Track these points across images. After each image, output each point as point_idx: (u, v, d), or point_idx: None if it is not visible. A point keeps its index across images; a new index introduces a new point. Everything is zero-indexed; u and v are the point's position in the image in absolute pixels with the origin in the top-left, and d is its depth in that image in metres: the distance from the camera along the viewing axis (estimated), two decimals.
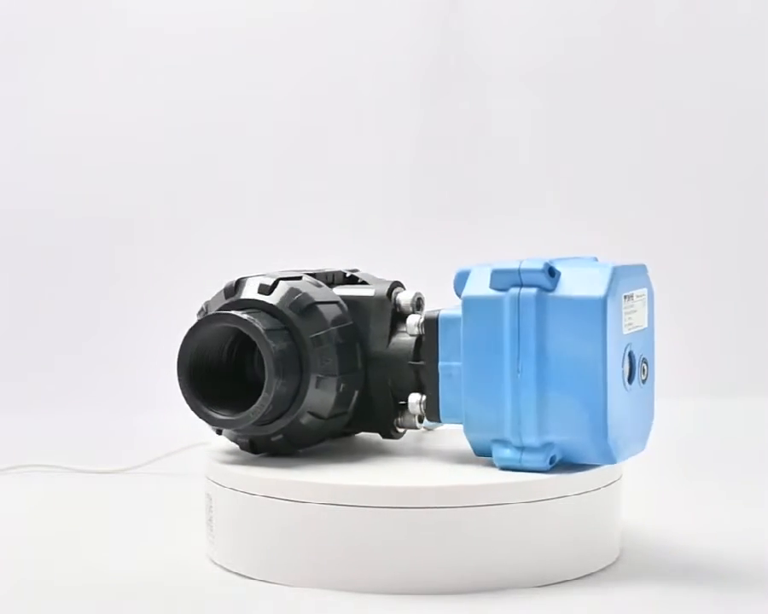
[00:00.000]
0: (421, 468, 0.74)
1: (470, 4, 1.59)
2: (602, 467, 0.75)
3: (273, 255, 1.52)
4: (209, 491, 0.78)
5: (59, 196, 1.53)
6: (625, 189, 1.60)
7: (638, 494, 0.90)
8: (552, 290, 0.72)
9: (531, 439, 0.72)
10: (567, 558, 0.73)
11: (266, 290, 0.77)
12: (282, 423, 0.75)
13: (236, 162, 1.57)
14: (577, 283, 0.72)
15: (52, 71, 1.54)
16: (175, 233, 1.54)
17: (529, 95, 1.59)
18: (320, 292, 0.78)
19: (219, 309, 0.77)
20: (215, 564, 0.77)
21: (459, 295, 0.75)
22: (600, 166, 1.60)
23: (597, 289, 0.71)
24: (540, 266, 0.71)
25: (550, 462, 0.72)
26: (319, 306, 0.76)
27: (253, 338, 0.73)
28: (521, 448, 0.72)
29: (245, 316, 0.74)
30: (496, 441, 0.73)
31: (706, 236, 1.60)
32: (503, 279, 0.72)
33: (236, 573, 0.75)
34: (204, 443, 0.86)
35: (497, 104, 1.59)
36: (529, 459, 0.72)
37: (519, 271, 0.72)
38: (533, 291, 0.72)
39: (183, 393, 0.77)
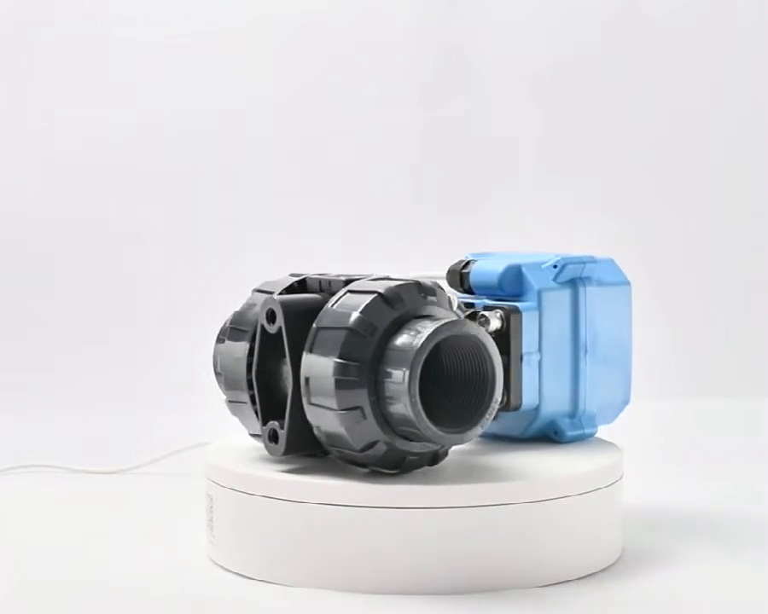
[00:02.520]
0: (421, 468, 0.74)
1: (470, 4, 1.59)
2: (602, 467, 0.75)
3: (273, 255, 1.52)
4: (209, 491, 0.78)
5: (59, 197, 1.53)
6: (625, 189, 1.60)
7: (639, 494, 0.90)
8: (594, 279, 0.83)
9: (593, 408, 0.82)
10: (567, 558, 0.73)
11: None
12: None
13: (237, 163, 1.57)
14: (604, 273, 0.83)
15: (52, 71, 1.54)
16: (176, 234, 1.54)
17: (530, 95, 1.59)
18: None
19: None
20: (215, 564, 0.77)
21: (502, 287, 0.81)
22: (600, 166, 1.60)
23: (622, 277, 0.85)
24: (593, 259, 0.83)
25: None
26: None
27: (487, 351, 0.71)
28: (582, 419, 0.82)
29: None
30: (564, 416, 0.82)
31: (706, 236, 1.60)
32: (568, 272, 0.81)
33: (236, 573, 0.75)
34: (204, 443, 0.86)
35: (497, 104, 1.59)
36: (588, 425, 0.83)
37: (583, 263, 0.82)
38: (595, 282, 0.83)
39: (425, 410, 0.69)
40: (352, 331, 0.69)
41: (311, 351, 0.70)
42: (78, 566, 0.78)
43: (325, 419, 0.70)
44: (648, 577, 0.74)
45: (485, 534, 0.70)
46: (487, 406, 0.70)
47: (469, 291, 0.83)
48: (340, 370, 0.69)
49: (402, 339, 0.69)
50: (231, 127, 1.56)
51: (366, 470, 0.72)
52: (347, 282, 0.73)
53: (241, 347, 0.76)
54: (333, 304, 0.71)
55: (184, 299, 1.52)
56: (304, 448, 0.74)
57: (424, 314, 0.71)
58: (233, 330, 0.77)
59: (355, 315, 0.69)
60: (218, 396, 0.89)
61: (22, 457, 1.10)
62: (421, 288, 0.71)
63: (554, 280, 0.81)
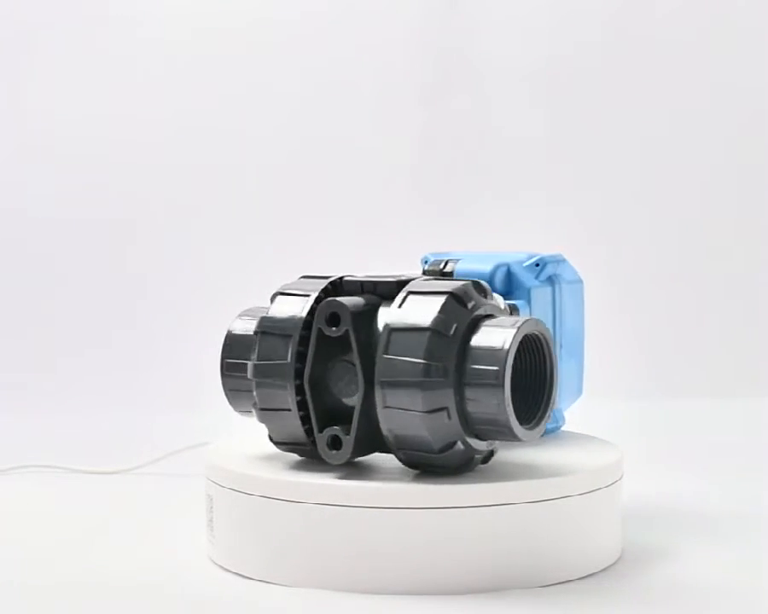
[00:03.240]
0: (422, 470, 0.74)
1: (470, 4, 1.59)
2: (602, 467, 0.75)
3: (273, 256, 1.52)
4: (209, 491, 0.78)
5: (60, 197, 1.53)
6: (625, 189, 1.60)
7: (638, 494, 0.90)
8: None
9: (561, 402, 0.85)
10: (567, 558, 0.73)
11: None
12: None
13: (237, 164, 1.57)
14: (566, 272, 0.86)
15: (52, 72, 1.54)
16: (176, 234, 1.54)
17: (529, 95, 1.59)
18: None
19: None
20: (215, 564, 0.77)
21: (492, 286, 0.81)
22: (599, 166, 1.60)
23: (577, 275, 0.88)
24: (562, 258, 0.85)
25: None
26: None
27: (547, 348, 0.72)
28: (555, 412, 0.84)
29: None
30: None
31: (706, 237, 1.60)
32: (548, 270, 0.84)
33: (236, 573, 0.75)
34: (204, 443, 0.86)
35: (497, 104, 1.59)
36: (560, 418, 0.87)
37: (557, 262, 0.85)
38: (563, 280, 0.86)
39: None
40: (434, 332, 0.69)
41: (386, 353, 0.69)
42: (78, 566, 0.78)
43: (404, 421, 0.69)
44: (648, 577, 0.74)
45: (486, 534, 0.70)
46: (548, 403, 0.72)
47: None
48: (427, 371, 0.68)
49: (485, 338, 0.69)
50: (230, 127, 1.56)
51: (417, 471, 0.72)
52: (399, 283, 0.73)
53: (284, 352, 0.72)
54: (400, 306, 0.71)
55: (185, 300, 1.52)
56: (364, 453, 0.73)
57: (488, 313, 0.71)
58: (268, 335, 0.73)
59: (435, 315, 0.69)
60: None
61: (22, 457, 1.10)
62: (480, 288, 0.72)
63: (536, 278, 0.83)
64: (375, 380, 0.69)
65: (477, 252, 0.86)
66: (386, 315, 0.71)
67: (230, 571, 0.75)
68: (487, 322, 0.70)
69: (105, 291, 1.52)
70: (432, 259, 0.85)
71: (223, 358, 0.79)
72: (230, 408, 0.81)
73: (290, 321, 0.73)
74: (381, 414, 0.70)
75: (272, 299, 0.76)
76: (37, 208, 1.53)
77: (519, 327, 0.69)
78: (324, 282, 0.75)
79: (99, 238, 1.53)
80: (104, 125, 1.54)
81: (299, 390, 0.72)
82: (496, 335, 0.69)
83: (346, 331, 0.71)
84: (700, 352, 1.55)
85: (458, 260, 0.82)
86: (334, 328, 0.71)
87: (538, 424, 0.71)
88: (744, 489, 1.01)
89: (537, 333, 0.71)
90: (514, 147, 1.59)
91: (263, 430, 0.77)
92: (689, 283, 1.58)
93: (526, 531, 0.71)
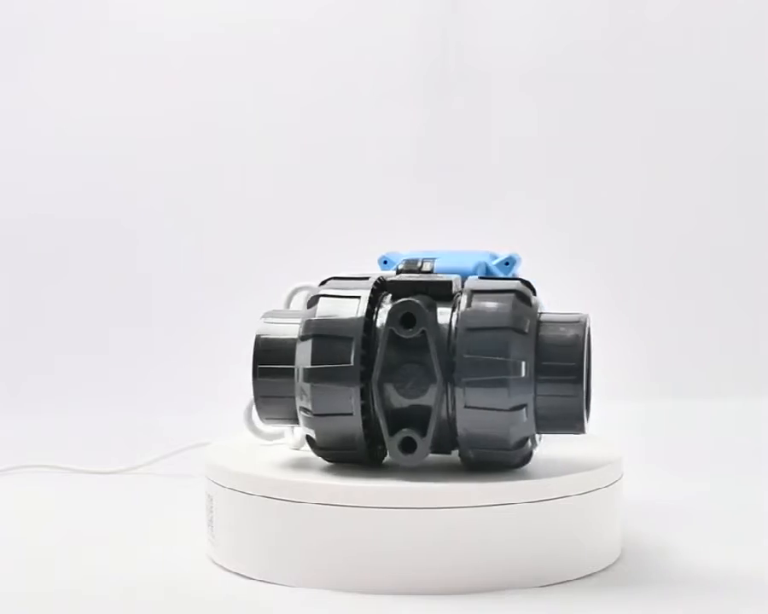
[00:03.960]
0: (421, 469, 0.74)
1: (470, 5, 1.59)
2: (602, 467, 0.75)
3: (273, 256, 1.52)
4: (209, 491, 0.78)
5: (59, 198, 1.53)
6: (625, 189, 1.60)
7: (638, 494, 0.90)
8: None
9: None
10: (567, 558, 0.73)
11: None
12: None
13: (237, 164, 1.56)
14: (518, 271, 0.86)
15: (52, 72, 1.54)
16: (177, 234, 1.54)
17: (530, 94, 1.59)
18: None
19: None
20: (215, 564, 0.77)
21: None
22: (599, 166, 1.60)
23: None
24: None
25: None
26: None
27: None
28: None
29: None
30: None
31: (703, 236, 1.60)
32: (514, 268, 0.85)
33: (236, 573, 0.75)
34: (204, 443, 0.86)
35: (496, 104, 1.59)
36: None
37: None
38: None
39: None
40: (514, 329, 0.70)
41: (468, 353, 0.70)
42: (79, 566, 0.78)
43: (485, 420, 0.70)
44: (648, 577, 0.74)
45: (486, 534, 0.70)
46: (589, 398, 0.73)
47: None
48: (511, 369, 0.69)
49: (557, 334, 0.71)
50: (230, 128, 1.56)
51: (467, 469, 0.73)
52: (449, 284, 0.73)
53: (346, 355, 0.71)
54: (469, 305, 0.71)
55: (185, 300, 1.52)
56: (433, 453, 0.73)
57: (542, 310, 0.73)
58: (325, 338, 0.71)
59: (510, 313, 0.70)
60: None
61: (22, 457, 1.10)
62: (530, 286, 0.74)
63: (506, 275, 0.83)
64: (456, 380, 0.69)
65: (437, 252, 0.86)
66: (454, 315, 0.71)
67: (230, 571, 0.75)
68: (551, 318, 0.72)
69: (105, 291, 1.52)
70: (390, 259, 0.85)
71: (256, 363, 0.74)
72: (246, 413, 0.81)
73: (349, 323, 0.71)
74: (461, 413, 0.70)
75: (309, 303, 0.73)
76: (37, 208, 1.53)
77: (584, 322, 0.71)
78: (370, 282, 0.74)
79: (99, 238, 1.53)
80: (104, 125, 1.54)
81: (363, 394, 0.71)
82: (567, 330, 0.71)
83: (422, 332, 0.70)
84: (700, 352, 1.55)
85: (434, 259, 0.81)
86: (409, 330, 0.70)
87: (588, 414, 0.73)
88: (744, 489, 1.01)
89: (588, 326, 0.73)
90: (514, 147, 1.59)
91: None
92: (689, 283, 1.58)
93: (525, 531, 0.71)
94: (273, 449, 0.81)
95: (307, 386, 0.71)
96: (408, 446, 0.71)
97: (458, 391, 0.70)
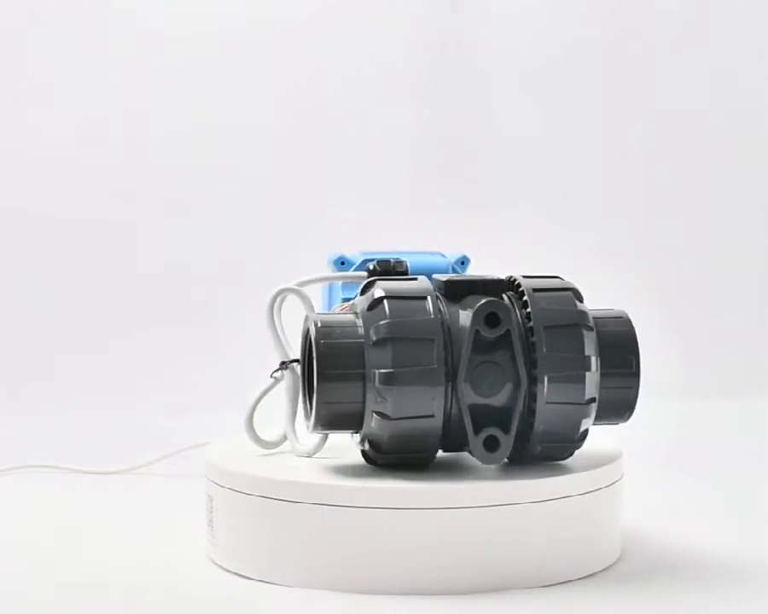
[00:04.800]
0: (422, 469, 0.74)
1: (470, 5, 1.59)
2: (602, 468, 0.75)
3: (273, 257, 1.52)
4: (209, 491, 0.78)
5: (59, 198, 1.53)
6: (624, 189, 1.60)
7: (638, 494, 0.90)
8: None
9: None
10: (568, 558, 0.73)
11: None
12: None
13: (237, 164, 1.56)
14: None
15: (52, 72, 1.54)
16: (177, 235, 1.54)
17: (530, 94, 1.59)
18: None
19: None
20: (215, 564, 0.77)
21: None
22: (599, 166, 1.60)
23: None
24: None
25: None
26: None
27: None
28: None
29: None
30: None
31: (703, 236, 1.60)
32: (466, 267, 0.87)
33: (236, 573, 0.75)
34: (204, 443, 0.86)
35: (497, 104, 1.59)
36: None
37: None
38: None
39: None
40: (585, 326, 0.72)
41: (549, 350, 0.71)
42: (79, 566, 0.78)
43: (563, 414, 0.71)
44: (648, 577, 0.74)
45: (486, 534, 0.70)
46: None
47: None
48: (588, 364, 0.71)
49: (611, 330, 0.74)
50: (231, 127, 1.56)
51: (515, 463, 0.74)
52: (500, 282, 0.74)
53: (429, 357, 0.70)
54: (534, 305, 0.72)
55: (185, 300, 1.52)
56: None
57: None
58: (405, 341, 0.70)
59: (578, 310, 0.73)
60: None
61: (22, 457, 1.10)
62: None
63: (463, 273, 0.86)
64: (538, 377, 0.71)
65: (389, 252, 0.87)
66: (523, 313, 0.72)
67: (230, 571, 0.75)
68: (597, 314, 0.75)
69: (105, 291, 1.52)
70: (348, 260, 0.85)
71: (323, 369, 0.71)
72: (247, 421, 0.80)
73: (427, 324, 0.71)
74: (542, 409, 0.71)
75: (372, 305, 0.72)
76: (36, 208, 1.53)
77: (628, 317, 0.76)
78: (427, 282, 0.74)
79: (99, 238, 1.53)
80: (104, 125, 1.54)
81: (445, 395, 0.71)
82: (620, 325, 0.75)
83: (507, 331, 0.71)
84: (700, 352, 1.55)
85: (401, 260, 0.82)
86: (493, 329, 0.71)
87: None
88: (744, 489, 1.01)
89: None
90: (514, 147, 1.59)
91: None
92: (689, 283, 1.58)
93: (526, 531, 0.71)
94: (273, 450, 0.81)
95: (387, 390, 0.70)
96: (492, 444, 0.71)
97: (540, 388, 0.71)
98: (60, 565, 0.78)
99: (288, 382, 0.79)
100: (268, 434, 0.80)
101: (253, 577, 0.73)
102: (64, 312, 1.51)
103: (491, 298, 0.71)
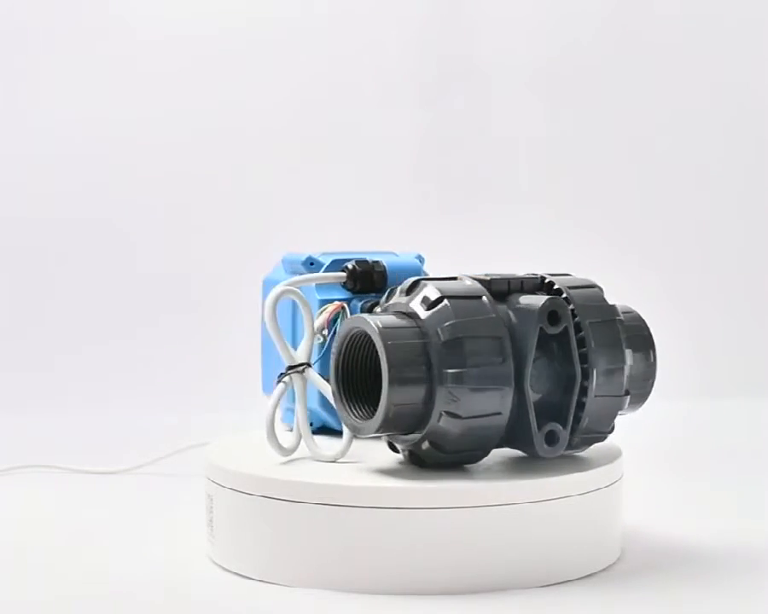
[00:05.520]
0: (421, 469, 0.74)
1: (470, 5, 1.59)
2: (603, 467, 0.75)
3: (273, 257, 1.52)
4: (209, 491, 0.78)
5: (59, 197, 1.53)
6: (625, 189, 1.60)
7: (638, 494, 0.90)
8: None
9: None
10: (567, 558, 0.73)
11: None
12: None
13: (236, 165, 1.56)
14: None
15: (52, 72, 1.54)
16: (176, 234, 1.54)
17: (530, 95, 1.59)
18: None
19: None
20: (215, 564, 0.77)
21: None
22: (600, 166, 1.60)
23: None
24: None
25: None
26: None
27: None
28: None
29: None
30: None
31: (704, 236, 1.60)
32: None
33: (236, 573, 0.75)
34: (204, 443, 0.86)
35: (498, 105, 1.59)
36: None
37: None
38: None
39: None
40: (619, 320, 0.76)
41: (597, 345, 0.73)
42: (78, 566, 0.78)
43: (606, 406, 0.74)
44: (648, 577, 0.74)
45: (485, 534, 0.70)
46: None
47: (377, 290, 0.83)
48: (627, 357, 0.76)
49: (629, 325, 0.78)
50: (230, 128, 1.56)
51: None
52: (539, 280, 0.76)
53: (497, 356, 0.71)
54: (576, 302, 0.74)
55: (185, 299, 1.52)
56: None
57: None
58: (475, 340, 0.71)
59: (610, 306, 0.76)
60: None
61: (22, 457, 1.10)
62: None
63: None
64: (589, 372, 0.73)
65: (343, 252, 0.87)
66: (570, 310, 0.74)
67: (230, 571, 0.75)
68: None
69: (105, 291, 1.52)
70: (318, 261, 0.85)
71: (395, 372, 0.70)
72: (269, 428, 0.78)
73: (493, 322, 0.72)
74: (591, 402, 0.73)
75: (432, 305, 0.71)
76: (36, 208, 1.53)
77: (635, 310, 0.81)
78: (474, 281, 0.74)
79: (99, 238, 1.53)
80: (104, 126, 1.54)
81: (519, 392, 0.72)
82: (634, 320, 0.80)
83: (565, 328, 0.72)
84: (700, 352, 1.55)
85: (378, 260, 0.84)
86: (554, 326, 0.72)
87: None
88: (744, 489, 1.01)
89: None
90: (515, 148, 1.59)
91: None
92: (689, 283, 1.58)
93: (526, 531, 0.71)
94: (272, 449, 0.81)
95: (460, 389, 0.70)
96: (552, 439, 0.73)
97: (590, 382, 0.73)
98: (59, 565, 0.78)
99: (299, 387, 0.78)
100: (288, 440, 0.78)
101: (252, 577, 0.73)
102: (64, 312, 1.51)
103: (553, 297, 0.73)
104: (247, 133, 1.56)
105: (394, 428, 0.71)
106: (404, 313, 0.72)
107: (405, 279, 0.79)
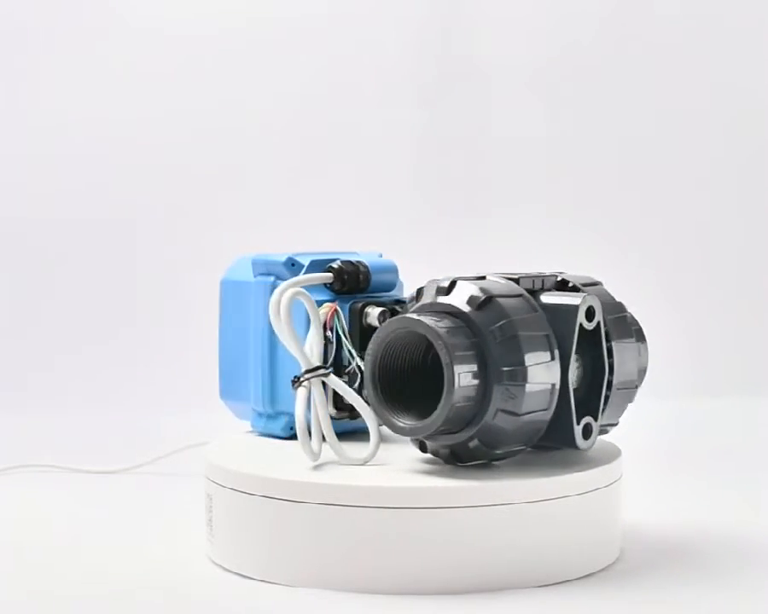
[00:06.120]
0: (421, 468, 0.74)
1: (471, 5, 1.59)
2: (602, 467, 0.75)
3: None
4: (209, 491, 0.78)
5: (58, 196, 1.53)
6: (625, 189, 1.60)
7: (638, 494, 0.90)
8: None
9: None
10: (567, 558, 0.73)
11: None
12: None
13: (236, 164, 1.57)
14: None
15: (52, 72, 1.54)
16: (176, 234, 1.54)
17: (530, 95, 1.59)
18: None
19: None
20: (215, 563, 0.77)
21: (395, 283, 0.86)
22: (600, 166, 1.60)
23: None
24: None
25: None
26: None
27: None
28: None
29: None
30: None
31: (703, 236, 1.60)
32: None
33: (236, 573, 0.75)
34: (204, 443, 0.86)
35: (498, 105, 1.59)
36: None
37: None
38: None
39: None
40: (627, 315, 0.79)
41: (617, 339, 0.76)
42: (78, 566, 0.78)
43: (623, 398, 0.77)
44: (648, 577, 0.74)
45: (485, 534, 0.70)
46: None
47: (361, 290, 0.83)
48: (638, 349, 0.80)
49: (633, 319, 0.81)
50: (230, 128, 1.56)
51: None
52: (548, 279, 0.77)
53: (547, 352, 0.72)
54: (592, 297, 0.76)
55: (184, 299, 1.52)
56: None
57: None
58: (527, 338, 0.71)
59: (620, 302, 0.79)
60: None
61: (22, 457, 1.10)
62: None
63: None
64: (614, 365, 0.75)
65: (306, 253, 0.85)
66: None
67: (230, 571, 0.75)
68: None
69: (105, 290, 1.52)
70: (298, 262, 0.83)
71: (458, 372, 0.70)
72: (303, 434, 0.76)
73: (539, 319, 0.73)
74: (615, 394, 0.76)
75: (482, 304, 0.71)
76: (35, 207, 1.53)
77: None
78: (508, 281, 0.75)
79: (98, 237, 1.53)
80: (104, 125, 1.54)
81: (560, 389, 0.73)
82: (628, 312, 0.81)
83: (598, 323, 0.74)
84: (699, 352, 1.55)
85: (362, 262, 0.83)
86: (590, 322, 0.74)
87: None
88: (743, 489, 1.01)
89: None
90: (515, 148, 1.59)
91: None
92: (688, 283, 1.58)
93: (525, 531, 0.71)
94: (273, 449, 0.81)
95: (518, 387, 0.71)
96: (588, 432, 0.74)
97: (615, 376, 0.75)
98: (59, 565, 0.78)
99: (319, 391, 0.77)
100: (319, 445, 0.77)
101: (252, 577, 0.73)
102: (64, 312, 1.51)
103: (589, 294, 0.75)
104: (244, 132, 1.56)
105: (450, 427, 0.72)
106: (447, 313, 0.72)
107: (386, 279, 0.83)
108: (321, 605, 0.69)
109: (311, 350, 0.77)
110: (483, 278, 0.75)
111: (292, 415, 0.80)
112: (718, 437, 1.28)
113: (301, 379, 0.77)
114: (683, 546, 0.81)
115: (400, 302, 0.83)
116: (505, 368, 0.70)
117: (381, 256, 0.88)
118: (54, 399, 1.43)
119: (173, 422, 1.29)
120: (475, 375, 0.70)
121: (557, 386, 0.72)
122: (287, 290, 0.77)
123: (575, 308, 0.73)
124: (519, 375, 0.70)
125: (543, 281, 0.76)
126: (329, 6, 1.58)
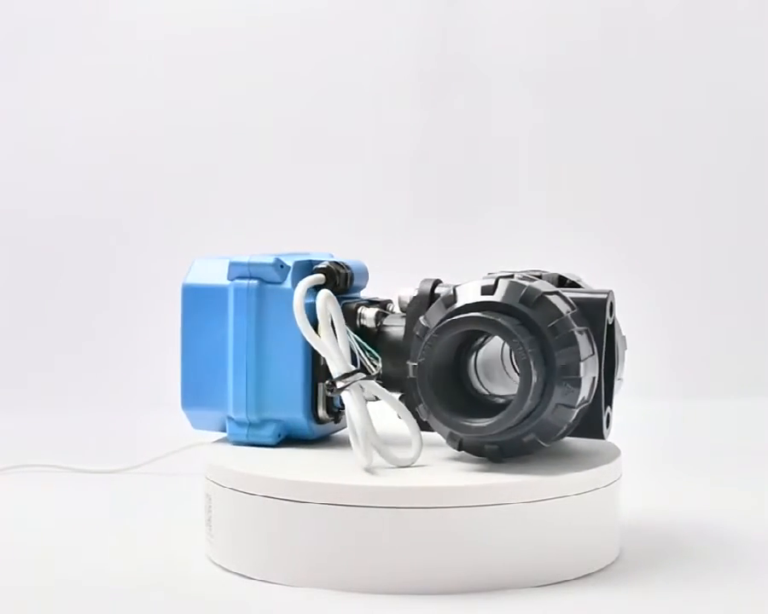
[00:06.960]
0: (421, 468, 0.74)
1: (471, 5, 1.59)
2: (601, 467, 0.75)
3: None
4: (209, 491, 0.78)
5: (58, 196, 1.53)
6: (624, 190, 1.60)
7: (638, 494, 0.90)
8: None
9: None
10: (566, 558, 0.73)
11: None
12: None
13: (235, 164, 1.57)
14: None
15: (52, 72, 1.54)
16: (174, 232, 1.54)
17: (529, 94, 1.59)
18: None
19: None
20: (214, 564, 0.77)
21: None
22: (599, 167, 1.60)
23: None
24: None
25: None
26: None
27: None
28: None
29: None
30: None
31: (702, 237, 1.60)
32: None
33: (236, 573, 0.75)
34: (204, 443, 0.86)
35: (498, 105, 1.59)
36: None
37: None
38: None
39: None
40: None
41: (618, 333, 0.79)
42: (78, 566, 0.78)
43: (616, 390, 0.79)
44: (647, 577, 0.74)
45: (485, 534, 0.70)
46: None
47: (346, 292, 0.82)
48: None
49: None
50: (229, 128, 1.56)
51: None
52: (560, 278, 0.80)
53: (590, 348, 0.74)
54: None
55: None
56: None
57: None
58: (581, 333, 0.73)
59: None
60: None
61: (22, 457, 1.10)
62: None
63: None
64: (616, 360, 0.77)
65: (274, 254, 0.84)
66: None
67: (229, 571, 0.75)
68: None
69: (104, 290, 1.52)
70: (286, 263, 0.81)
71: (531, 371, 0.71)
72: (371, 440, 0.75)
73: (579, 315, 0.74)
74: (617, 387, 0.78)
75: (537, 303, 0.72)
76: (35, 207, 1.53)
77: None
78: (543, 281, 0.76)
79: (99, 237, 1.53)
80: (104, 125, 1.55)
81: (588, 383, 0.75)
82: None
83: (614, 318, 0.77)
84: (699, 352, 1.55)
85: (346, 263, 0.83)
86: (610, 316, 0.76)
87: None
88: (744, 489, 1.01)
89: None
90: (514, 148, 1.59)
91: None
92: (688, 283, 1.58)
93: (525, 531, 0.71)
94: (272, 450, 0.81)
95: (575, 381, 0.72)
96: (609, 422, 0.77)
97: (618, 369, 0.78)
98: (59, 565, 0.78)
99: (357, 394, 0.75)
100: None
101: (252, 577, 0.73)
102: (64, 312, 1.51)
103: (610, 290, 0.77)
104: (244, 132, 1.56)
105: (515, 424, 0.72)
106: (502, 312, 0.73)
107: (362, 280, 0.84)
108: (321, 605, 0.69)
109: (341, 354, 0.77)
110: (511, 276, 0.75)
111: (281, 422, 0.81)
112: (717, 437, 1.28)
113: (340, 383, 0.75)
114: (682, 546, 0.81)
115: (387, 302, 0.83)
116: (564, 364, 0.72)
117: (332, 256, 0.87)
118: (54, 399, 1.43)
119: (173, 422, 1.29)
120: (540, 372, 0.72)
121: (596, 378, 0.74)
122: (321, 296, 0.77)
123: (603, 302, 0.75)
124: (577, 370, 0.72)
125: (554, 279, 0.79)
126: (328, 5, 1.58)
